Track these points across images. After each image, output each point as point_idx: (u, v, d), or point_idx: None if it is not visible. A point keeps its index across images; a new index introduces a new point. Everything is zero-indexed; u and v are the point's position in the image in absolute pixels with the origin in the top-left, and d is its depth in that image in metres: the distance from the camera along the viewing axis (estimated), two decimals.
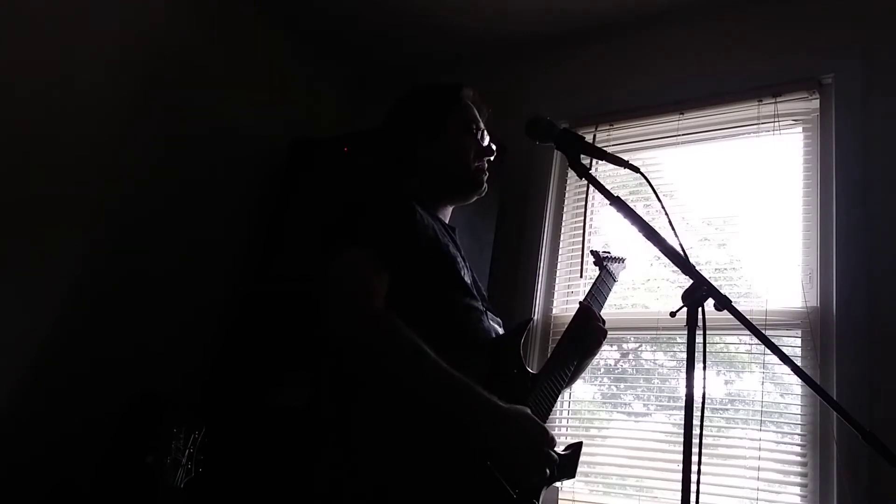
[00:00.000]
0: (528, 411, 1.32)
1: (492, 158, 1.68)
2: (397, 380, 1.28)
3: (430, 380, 1.26)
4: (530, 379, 1.45)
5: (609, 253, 1.86)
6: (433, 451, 1.25)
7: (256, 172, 2.98)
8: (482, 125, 1.69)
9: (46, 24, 2.32)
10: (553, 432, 2.47)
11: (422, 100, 1.69)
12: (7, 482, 2.14)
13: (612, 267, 1.82)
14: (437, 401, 1.26)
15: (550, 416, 2.44)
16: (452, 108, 1.66)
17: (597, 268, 1.82)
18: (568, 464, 1.44)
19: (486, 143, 1.68)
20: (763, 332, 1.27)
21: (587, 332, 1.63)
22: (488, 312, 1.52)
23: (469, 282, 1.50)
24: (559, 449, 1.43)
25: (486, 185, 1.66)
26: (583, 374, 1.76)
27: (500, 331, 1.55)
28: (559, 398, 1.51)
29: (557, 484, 2.25)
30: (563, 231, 2.71)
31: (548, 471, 1.31)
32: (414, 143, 1.63)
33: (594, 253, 1.84)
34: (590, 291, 1.72)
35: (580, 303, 1.68)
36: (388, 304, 1.32)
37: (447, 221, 1.66)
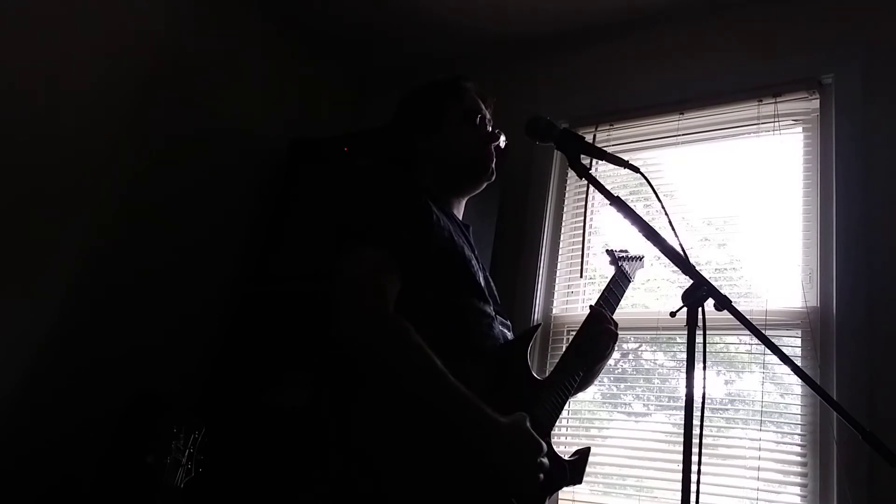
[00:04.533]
0: (527, 423, 1.30)
1: (501, 145, 1.66)
2: (401, 384, 1.28)
3: (433, 388, 1.25)
4: (537, 387, 1.44)
5: (627, 252, 1.81)
6: (433, 454, 1.25)
7: (256, 172, 2.97)
8: (486, 113, 1.67)
9: (46, 24, 2.32)
10: (553, 432, 2.47)
11: (419, 96, 1.69)
12: (7, 481, 2.14)
13: (628, 267, 1.77)
14: (438, 408, 1.26)
15: None
16: (450, 100, 1.65)
17: (612, 267, 1.77)
18: (575, 469, 1.43)
19: (489, 129, 1.66)
20: (763, 332, 1.27)
21: (594, 339, 1.58)
22: (498, 317, 1.51)
23: (483, 284, 1.49)
24: (567, 454, 1.43)
25: (493, 169, 1.63)
26: (596, 380, 1.71)
27: (509, 335, 1.53)
28: (566, 404, 1.48)
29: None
30: (563, 231, 2.71)
31: (540, 479, 1.29)
32: (413, 139, 1.63)
33: (610, 252, 1.79)
34: (602, 293, 1.68)
35: (590, 307, 1.63)
36: (400, 306, 1.31)
37: (460, 217, 1.64)
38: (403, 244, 1.36)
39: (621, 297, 1.73)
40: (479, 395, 1.27)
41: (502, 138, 1.67)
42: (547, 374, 1.54)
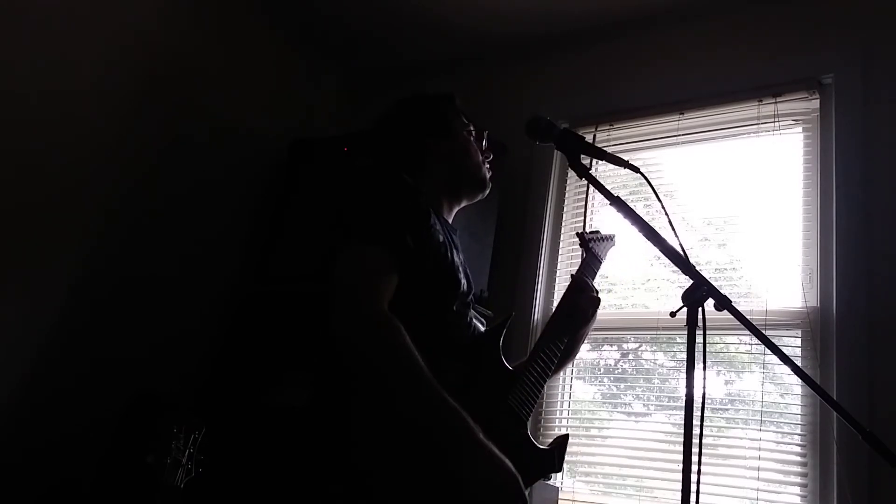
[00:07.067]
0: (511, 466, 1.25)
1: (490, 158, 1.72)
2: (388, 389, 1.26)
3: (420, 397, 1.23)
4: (510, 377, 1.45)
5: (597, 233, 1.84)
6: (424, 451, 1.25)
7: (256, 173, 2.98)
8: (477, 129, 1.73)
9: (46, 25, 2.32)
10: (552, 432, 2.48)
11: (423, 104, 1.71)
12: (7, 481, 2.14)
13: (598, 247, 1.80)
14: (421, 417, 1.24)
15: (549, 417, 2.46)
16: (454, 113, 1.70)
17: (583, 250, 1.80)
18: (553, 458, 1.44)
19: (484, 146, 1.72)
20: (763, 332, 1.27)
21: (577, 304, 1.63)
22: (475, 315, 1.53)
23: (465, 290, 1.51)
24: (545, 444, 1.45)
25: (490, 184, 1.70)
26: (578, 352, 1.76)
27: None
28: (557, 392, 1.48)
29: (557, 484, 2.26)
30: (563, 231, 2.71)
31: None
32: (423, 143, 1.64)
33: (579, 235, 1.83)
34: (578, 272, 1.73)
35: (572, 275, 1.68)
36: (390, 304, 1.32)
37: (450, 222, 1.67)
38: (404, 245, 1.36)
39: (592, 278, 1.75)
40: (454, 389, 1.26)
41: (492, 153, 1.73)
42: (527, 356, 1.54)
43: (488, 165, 1.70)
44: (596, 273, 1.78)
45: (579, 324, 1.65)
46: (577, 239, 1.86)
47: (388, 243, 1.35)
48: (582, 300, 1.65)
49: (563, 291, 1.67)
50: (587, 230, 1.86)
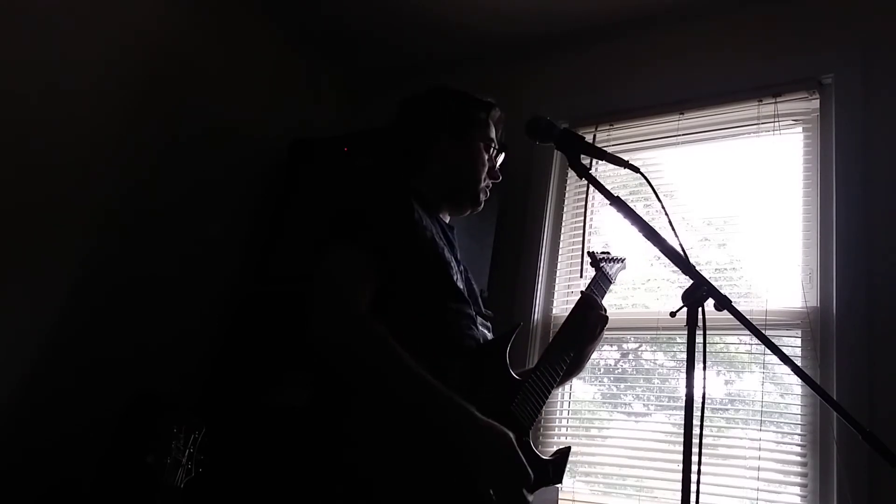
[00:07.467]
0: (510, 435, 1.29)
1: (497, 180, 1.70)
2: (376, 384, 1.28)
3: (407, 385, 1.25)
4: (515, 385, 1.44)
5: (608, 254, 1.86)
6: (423, 450, 1.25)
7: (256, 173, 2.98)
8: (498, 147, 1.70)
9: (46, 24, 2.32)
10: (552, 432, 2.48)
11: (453, 99, 1.67)
12: (7, 482, 2.14)
13: (609, 268, 1.82)
14: (413, 404, 1.26)
15: (550, 417, 2.46)
16: (481, 121, 1.66)
17: (594, 269, 1.83)
18: (555, 469, 1.45)
19: (497, 165, 1.69)
20: (763, 332, 1.27)
21: (584, 321, 1.63)
22: (479, 318, 1.52)
23: (462, 287, 1.50)
24: (547, 454, 1.45)
25: (483, 204, 1.67)
26: (584, 368, 1.75)
27: (490, 336, 1.55)
28: (557, 393, 1.49)
29: (558, 484, 2.25)
30: (563, 231, 2.71)
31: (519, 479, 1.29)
32: (433, 137, 1.61)
33: (591, 254, 1.85)
34: (587, 289, 1.74)
35: (582, 292, 1.69)
36: (379, 306, 1.32)
37: (447, 221, 1.66)
38: (385, 245, 1.36)
39: (602, 297, 1.76)
40: (457, 393, 1.27)
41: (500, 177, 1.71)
42: (532, 365, 1.55)
43: (488, 185, 1.66)
44: (605, 292, 1.78)
45: (586, 340, 1.65)
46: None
47: (369, 244, 1.35)
48: (591, 317, 1.65)
49: (572, 306, 1.67)
50: (598, 250, 1.87)
